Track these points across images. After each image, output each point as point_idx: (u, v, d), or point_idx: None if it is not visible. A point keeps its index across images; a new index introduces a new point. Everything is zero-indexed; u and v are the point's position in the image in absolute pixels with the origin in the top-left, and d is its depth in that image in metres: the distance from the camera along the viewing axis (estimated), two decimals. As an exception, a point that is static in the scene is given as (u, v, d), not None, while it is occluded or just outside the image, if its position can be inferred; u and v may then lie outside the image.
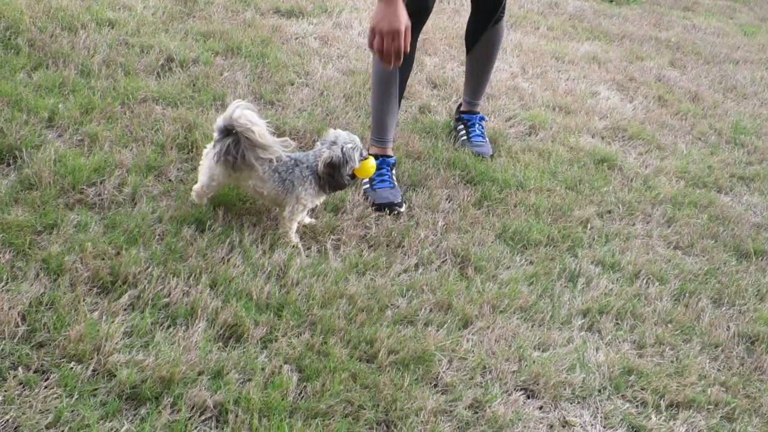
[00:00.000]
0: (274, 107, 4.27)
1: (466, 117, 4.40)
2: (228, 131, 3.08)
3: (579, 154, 4.50)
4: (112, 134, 3.64)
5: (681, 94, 5.78)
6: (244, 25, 5.17)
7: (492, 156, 4.28)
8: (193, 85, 4.26)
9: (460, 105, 4.48)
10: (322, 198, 3.34)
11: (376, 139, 3.84)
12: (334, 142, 3.23)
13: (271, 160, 3.16)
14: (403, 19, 3.18)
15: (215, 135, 3.12)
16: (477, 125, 4.38)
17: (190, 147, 3.68)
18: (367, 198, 3.63)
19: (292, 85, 4.56)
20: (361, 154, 3.27)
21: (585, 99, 5.29)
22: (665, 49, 6.73)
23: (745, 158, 4.97)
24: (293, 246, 3.22)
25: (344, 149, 3.20)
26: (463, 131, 4.39)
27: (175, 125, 3.81)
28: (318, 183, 3.23)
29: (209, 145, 3.20)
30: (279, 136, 3.87)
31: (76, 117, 3.69)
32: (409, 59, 3.80)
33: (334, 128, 3.37)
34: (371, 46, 3.24)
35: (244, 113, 3.02)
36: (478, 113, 4.41)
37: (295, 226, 3.26)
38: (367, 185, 3.72)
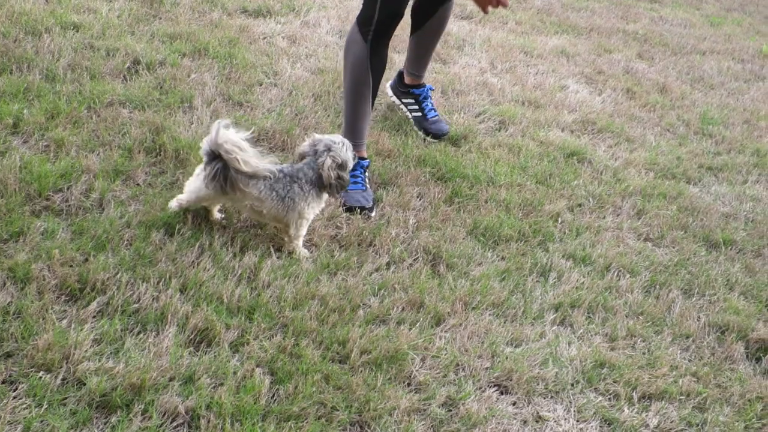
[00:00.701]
0: (242, 108, 4.25)
1: (417, 91, 4.43)
2: (216, 155, 3.01)
3: (549, 149, 4.52)
4: (79, 139, 3.60)
5: (649, 85, 5.82)
6: (211, 25, 5.13)
7: (445, 135, 4.39)
8: (160, 87, 4.23)
9: (401, 78, 4.50)
10: (322, 206, 3.31)
11: (350, 141, 3.81)
12: (329, 147, 3.18)
13: (265, 178, 3.10)
14: None
15: (203, 158, 3.06)
16: (429, 99, 4.45)
17: (157, 150, 3.65)
18: (337, 198, 3.61)
19: (261, 85, 4.53)
20: (353, 153, 3.29)
21: (554, 93, 5.31)
22: (633, 42, 6.76)
23: (713, 149, 5.02)
24: (305, 258, 3.21)
25: (347, 151, 3.22)
26: (416, 106, 4.44)
27: (143, 128, 3.78)
28: (319, 191, 3.19)
29: (199, 167, 3.12)
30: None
31: (42, 123, 3.64)
32: (382, 62, 3.80)
33: (312, 133, 3.34)
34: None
35: (229, 138, 2.95)
36: (425, 84, 4.47)
37: (302, 240, 3.24)
38: None
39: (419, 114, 4.43)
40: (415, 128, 4.41)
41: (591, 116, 5.06)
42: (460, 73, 5.25)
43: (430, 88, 4.49)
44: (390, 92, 4.59)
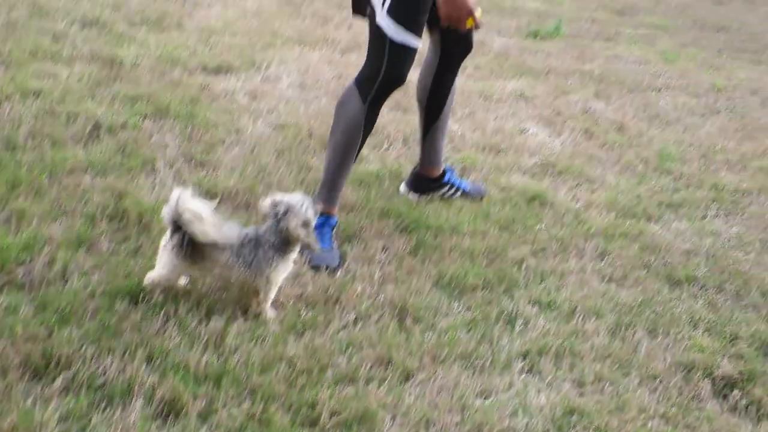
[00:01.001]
0: (205, 168, 4.27)
1: (447, 178, 4.40)
2: (179, 225, 2.99)
3: (511, 194, 4.57)
4: (40, 209, 3.60)
5: (607, 125, 5.92)
6: (172, 85, 5.17)
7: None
8: (122, 151, 4.24)
9: (421, 178, 4.37)
10: (290, 269, 3.30)
11: (326, 197, 3.77)
12: (290, 209, 3.14)
13: (230, 247, 3.09)
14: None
15: (168, 227, 3.04)
16: (457, 178, 4.47)
17: (120, 216, 3.66)
18: (303, 255, 3.62)
19: (223, 143, 4.57)
20: (313, 210, 3.25)
21: (514, 137, 5.39)
22: (590, 81, 6.89)
23: (672, 185, 5.10)
24: (272, 319, 3.20)
25: (307, 210, 3.18)
26: (453, 190, 4.41)
27: (105, 194, 3.79)
28: (284, 255, 3.17)
29: (165, 237, 3.10)
30: (212, 198, 3.88)
31: (2, 194, 3.65)
32: (374, 123, 3.80)
33: (272, 193, 3.31)
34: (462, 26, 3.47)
35: (188, 207, 2.94)
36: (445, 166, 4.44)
37: (270, 302, 3.24)
38: None
39: (459, 194, 4.43)
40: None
41: (551, 158, 5.13)
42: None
43: (451, 169, 4.47)
44: (417, 196, 4.39)
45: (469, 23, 3.47)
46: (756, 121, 6.56)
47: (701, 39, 9.12)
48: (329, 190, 3.80)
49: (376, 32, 3.60)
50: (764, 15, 10.79)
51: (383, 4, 3.52)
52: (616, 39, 8.48)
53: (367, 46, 3.73)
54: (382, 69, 3.62)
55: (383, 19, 3.54)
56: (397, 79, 3.69)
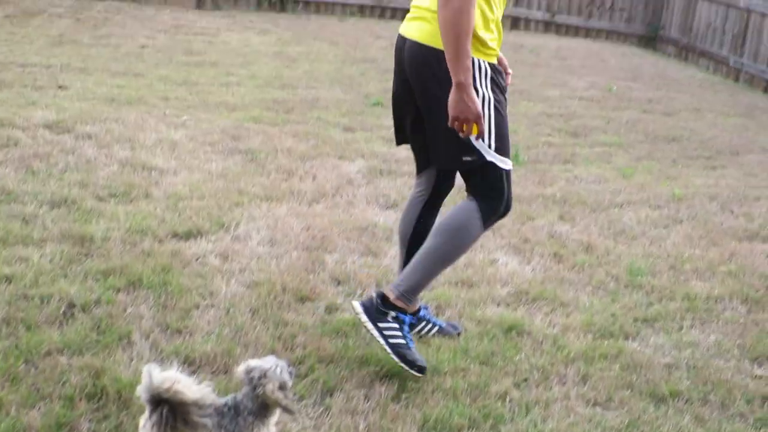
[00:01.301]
0: (181, 335, 4.28)
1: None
2: (157, 400, 2.96)
3: (487, 326, 4.61)
4: (18, 396, 3.58)
5: (574, 246, 6.04)
6: (143, 255, 5.23)
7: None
8: (97, 327, 4.25)
9: None
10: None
11: (412, 299, 4.08)
12: (264, 374, 3.13)
13: (213, 412, 3.06)
14: (478, 103, 3.63)
15: (146, 407, 3.00)
16: (432, 316, 4.56)
17: (99, 395, 3.64)
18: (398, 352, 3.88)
19: (198, 308, 4.59)
20: (289, 371, 3.24)
21: (485, 268, 5.47)
22: (553, 205, 7.04)
23: (645, 300, 5.17)
24: None
25: (282, 372, 3.16)
26: (430, 326, 4.48)
27: (82, 374, 3.77)
28: (263, 420, 3.14)
29: (144, 417, 3.04)
30: (189, 365, 3.89)
31: (-22, 386, 3.63)
32: None
33: (243, 361, 3.29)
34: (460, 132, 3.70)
35: (166, 375, 2.92)
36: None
37: None
38: (399, 338, 3.94)
39: (436, 330, 4.50)
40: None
41: (523, 286, 5.20)
42: (392, 265, 5.39)
43: (426, 306, 4.57)
44: None
45: (474, 130, 3.71)
46: (718, 227, 6.73)
47: (655, 151, 9.40)
48: (413, 293, 4.07)
49: (489, 170, 3.92)
50: (711, 122, 11.20)
51: (489, 146, 3.85)
52: (573, 161, 8.71)
53: (476, 186, 4.01)
54: (505, 198, 4.01)
55: (494, 157, 3.88)
56: (512, 202, 4.11)
